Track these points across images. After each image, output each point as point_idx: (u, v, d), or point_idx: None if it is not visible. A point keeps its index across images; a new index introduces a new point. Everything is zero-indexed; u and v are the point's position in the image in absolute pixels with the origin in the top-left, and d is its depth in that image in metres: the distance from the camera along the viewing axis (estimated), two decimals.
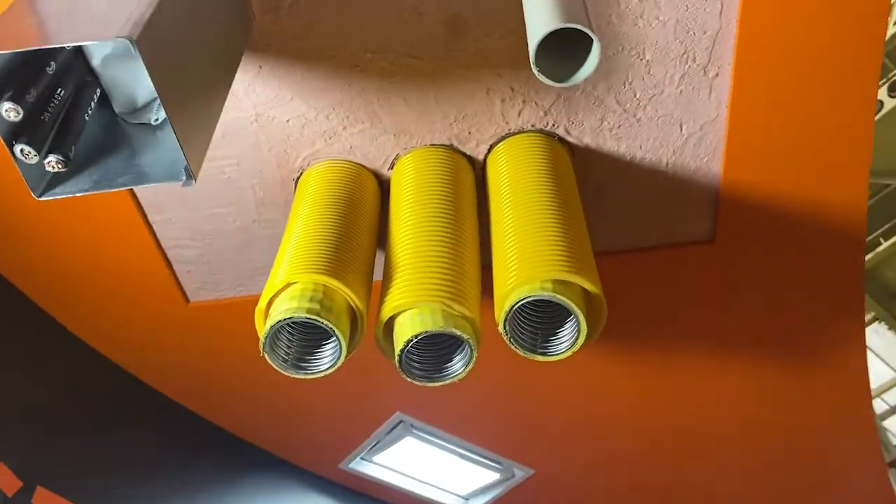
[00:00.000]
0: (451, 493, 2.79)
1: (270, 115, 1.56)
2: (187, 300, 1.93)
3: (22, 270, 1.84)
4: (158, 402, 2.18)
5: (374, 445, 2.43)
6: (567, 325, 1.29)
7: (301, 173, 1.65)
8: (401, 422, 2.31)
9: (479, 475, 2.61)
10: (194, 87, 1.09)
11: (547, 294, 1.23)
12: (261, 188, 1.69)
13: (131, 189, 1.68)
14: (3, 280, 1.83)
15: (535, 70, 0.93)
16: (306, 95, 1.54)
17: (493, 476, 2.62)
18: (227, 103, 1.52)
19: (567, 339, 1.28)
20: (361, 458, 2.51)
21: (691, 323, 2.03)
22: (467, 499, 2.85)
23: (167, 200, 1.70)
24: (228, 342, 2.05)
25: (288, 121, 1.57)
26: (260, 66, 1.49)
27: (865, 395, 2.22)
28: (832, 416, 2.32)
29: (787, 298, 1.93)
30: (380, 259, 1.59)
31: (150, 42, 0.96)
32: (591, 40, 0.92)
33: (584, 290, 1.28)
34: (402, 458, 2.53)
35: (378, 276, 1.49)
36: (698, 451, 2.56)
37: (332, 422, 2.38)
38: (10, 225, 1.72)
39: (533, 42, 0.89)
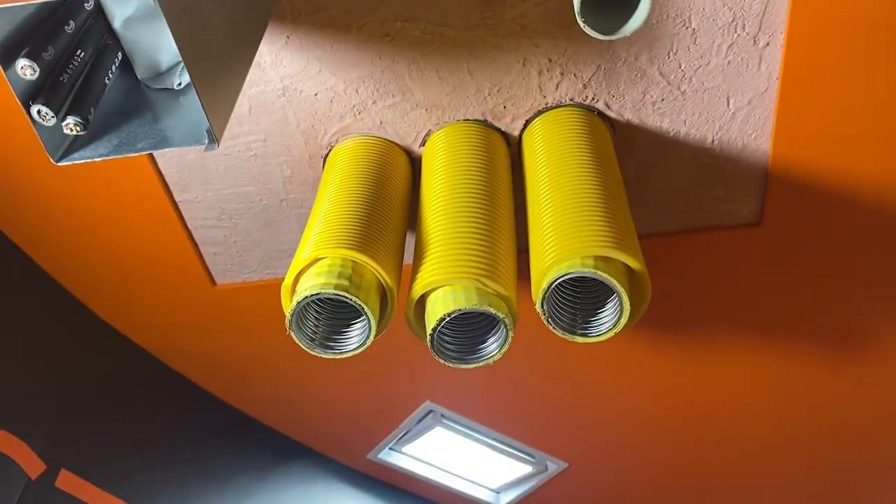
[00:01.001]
0: (482, 485, 2.73)
1: (298, 89, 1.51)
2: (214, 283, 1.89)
3: (46, 252, 1.82)
4: (184, 387, 2.15)
5: (404, 435, 2.37)
6: (609, 305, 1.22)
7: (330, 150, 1.60)
8: (431, 411, 2.25)
9: (510, 468, 2.55)
10: (218, 48, 1.04)
11: (588, 270, 1.15)
12: (288, 166, 1.64)
13: (157, 167, 1.65)
14: (28, 260, 1.80)
15: (580, 21, 0.86)
16: (335, 67, 1.48)
17: (526, 469, 2.55)
18: (253, 76, 1.49)
19: (609, 320, 1.21)
20: (390, 449, 2.45)
21: (736, 310, 1.94)
22: (498, 492, 2.78)
23: (193, 178, 1.66)
24: (255, 326, 2.01)
25: (316, 94, 1.52)
26: (287, 37, 1.44)
27: None
28: (882, 410, 2.21)
29: (838, 285, 1.83)
30: (410, 241, 1.54)
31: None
32: None
33: (627, 268, 1.21)
34: (432, 449, 2.47)
35: (409, 258, 1.43)
36: (740, 447, 2.47)
37: (361, 411, 2.33)
38: (33, 206, 1.70)
39: None
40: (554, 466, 2.52)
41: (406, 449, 2.48)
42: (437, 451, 2.49)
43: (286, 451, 2.42)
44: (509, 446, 2.43)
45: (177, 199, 1.71)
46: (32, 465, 1.62)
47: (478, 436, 2.38)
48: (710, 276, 1.84)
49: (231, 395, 2.27)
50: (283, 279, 1.86)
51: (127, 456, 1.90)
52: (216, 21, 1.04)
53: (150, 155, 1.62)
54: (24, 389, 1.70)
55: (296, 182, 1.67)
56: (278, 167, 1.64)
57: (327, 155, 1.60)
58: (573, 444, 2.50)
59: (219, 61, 1.04)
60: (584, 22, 0.86)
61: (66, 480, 1.68)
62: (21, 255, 1.77)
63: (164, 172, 1.66)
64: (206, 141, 0.99)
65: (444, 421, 2.29)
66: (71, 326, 1.89)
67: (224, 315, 1.98)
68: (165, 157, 1.63)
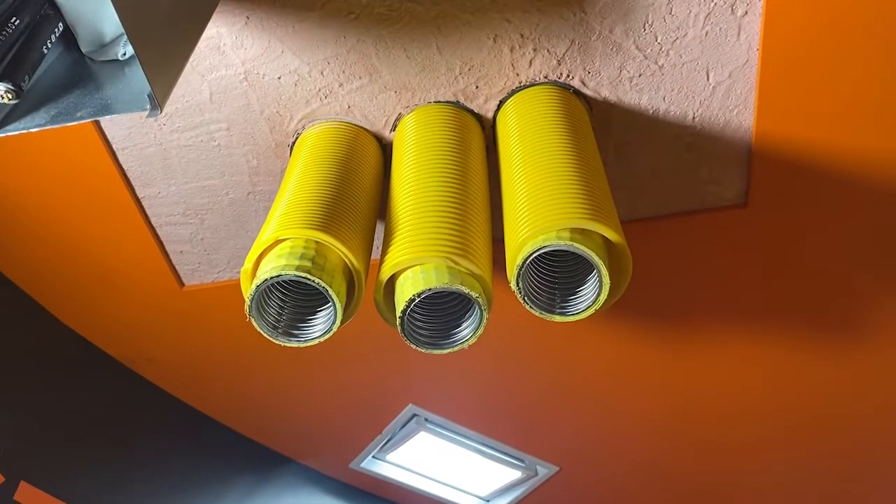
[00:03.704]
0: (470, 493, 2.64)
1: (260, 73, 1.45)
2: (182, 284, 1.81)
3: (2, 253, 1.74)
4: (155, 395, 2.06)
5: (387, 442, 2.29)
6: (588, 281, 1.16)
7: (296, 138, 1.54)
8: (414, 415, 2.17)
9: (499, 474, 2.46)
10: (162, 13, 0.98)
11: (564, 243, 1.09)
12: (254, 156, 1.57)
13: (117, 161, 1.58)
14: None
15: None
16: (298, 49, 1.42)
17: (515, 474, 2.47)
18: (213, 60, 1.43)
19: (588, 297, 1.14)
20: (373, 457, 2.36)
21: (725, 296, 1.87)
22: (487, 500, 2.69)
23: (155, 172, 1.59)
24: (227, 329, 1.93)
25: (280, 78, 1.46)
26: (247, 17, 1.38)
27: None
28: (875, 396, 2.14)
29: (828, 266, 1.77)
30: (382, 230, 1.47)
31: None
32: None
33: (606, 241, 1.15)
34: (417, 456, 2.39)
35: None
36: (734, 444, 2.39)
37: (341, 417, 2.24)
38: None
39: None
40: (544, 471, 2.44)
41: (390, 457, 2.39)
42: (423, 457, 2.41)
43: (264, 462, 2.33)
44: (497, 451, 2.35)
45: (139, 194, 1.64)
46: None
47: (464, 440, 2.30)
48: (696, 261, 1.78)
49: (203, 402, 2.18)
50: None
51: (90, 468, 1.81)
52: None
53: (110, 149, 1.55)
54: None
55: (262, 173, 1.60)
56: (244, 157, 1.58)
57: (294, 143, 1.54)
58: (564, 446, 2.42)
59: (163, 26, 0.98)
60: None
61: (27, 493, 1.59)
62: None
63: (124, 167, 1.59)
64: (149, 107, 0.92)
65: (429, 425, 2.21)
66: (31, 332, 1.81)
67: (194, 318, 1.90)
68: (126, 150, 1.56)
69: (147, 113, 0.92)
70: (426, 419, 2.19)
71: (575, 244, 1.08)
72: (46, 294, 1.83)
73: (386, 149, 1.55)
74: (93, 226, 1.68)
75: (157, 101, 0.91)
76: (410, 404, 2.16)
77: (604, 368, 2.12)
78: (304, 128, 1.53)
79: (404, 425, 2.21)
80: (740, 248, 1.74)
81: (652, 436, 2.36)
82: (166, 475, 2.03)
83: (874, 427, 2.30)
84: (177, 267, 1.78)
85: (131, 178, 1.61)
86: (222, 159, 1.58)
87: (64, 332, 1.87)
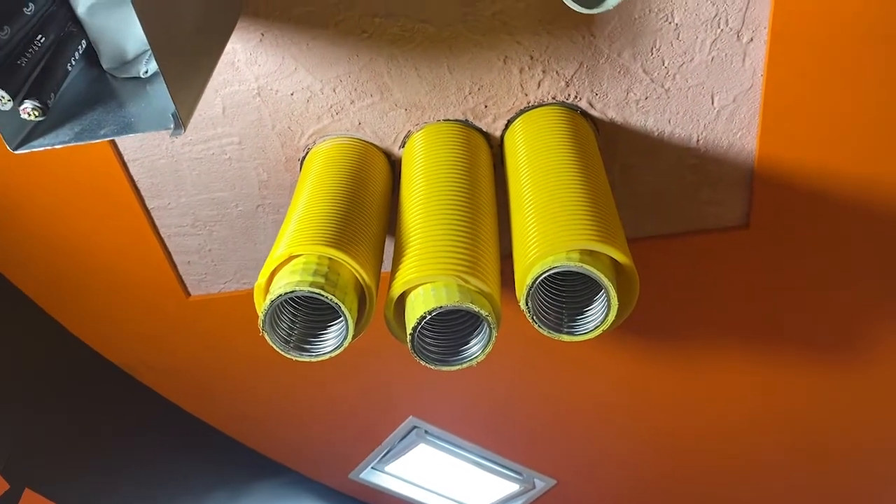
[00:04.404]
0: None
1: (273, 89, 1.47)
2: (188, 294, 1.83)
3: (11, 261, 1.75)
4: (157, 404, 2.07)
5: (386, 454, 2.30)
6: (596, 302, 1.18)
7: (307, 152, 1.55)
8: (414, 427, 2.18)
9: (497, 486, 2.47)
10: (186, 31, 1.00)
11: (573, 265, 1.11)
12: (264, 169, 1.59)
13: (128, 172, 1.60)
14: None
15: None
16: (311, 66, 1.44)
17: (513, 487, 2.48)
18: (227, 76, 1.45)
19: (596, 317, 1.16)
20: (372, 468, 2.37)
21: (725, 316, 1.90)
22: None
23: (165, 184, 1.61)
24: (232, 339, 1.94)
25: (292, 94, 1.48)
26: (262, 34, 1.40)
27: None
28: (870, 413, 2.17)
29: (828, 288, 1.80)
30: (391, 246, 1.49)
31: None
32: None
33: (614, 262, 1.17)
34: (416, 468, 2.40)
35: (390, 264, 1.39)
36: (733, 462, 2.41)
37: (342, 427, 2.25)
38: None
39: None
40: (542, 484, 2.45)
41: (389, 468, 2.40)
42: (422, 469, 2.42)
43: (265, 472, 2.34)
44: (496, 463, 2.37)
45: (149, 205, 1.65)
46: None
47: (463, 453, 2.31)
48: (697, 280, 1.80)
49: (206, 411, 2.19)
50: None
51: (94, 475, 1.81)
52: (184, 4, 1.00)
53: (121, 159, 1.57)
54: None
55: (272, 186, 1.62)
56: (254, 171, 1.59)
57: (304, 157, 1.56)
58: (562, 460, 2.43)
59: (187, 45, 1.00)
60: None
61: (30, 500, 1.60)
62: None
63: (135, 178, 1.60)
64: (172, 126, 0.94)
65: (429, 437, 2.23)
66: (36, 339, 1.82)
67: (199, 328, 1.92)
68: (137, 162, 1.57)
69: (170, 132, 0.94)
70: (426, 431, 2.21)
71: (584, 266, 1.10)
72: (51, 300, 1.84)
73: (394, 165, 1.58)
74: (101, 234, 1.69)
75: (181, 121, 0.93)
76: (411, 416, 2.18)
77: (603, 385, 2.14)
78: (314, 143, 1.55)
79: (404, 437, 2.23)
80: (741, 269, 1.77)
81: (650, 452, 2.38)
82: (166, 482, 2.03)
83: (875, 447, 2.32)
84: (183, 277, 1.79)
85: (141, 189, 1.62)
86: (233, 172, 1.60)
87: (67, 338, 1.88)
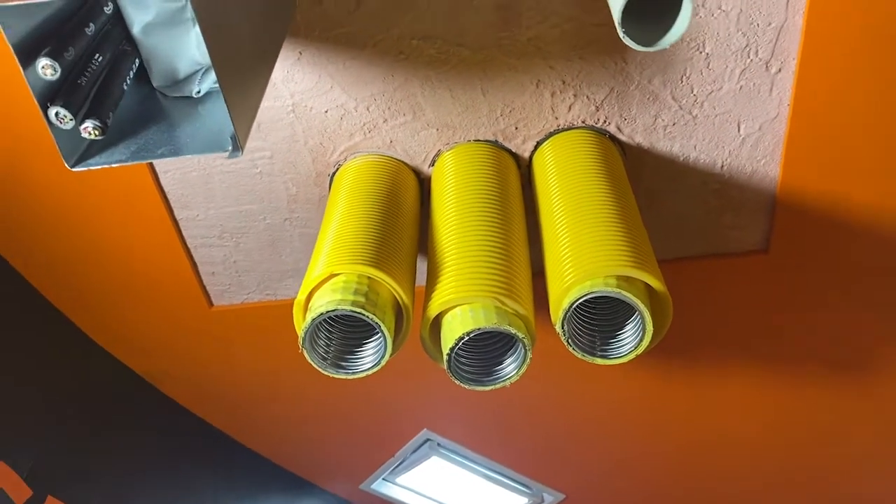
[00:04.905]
0: None
1: (308, 105, 1.49)
2: (210, 304, 1.84)
3: (36, 266, 1.76)
4: (175, 411, 2.08)
5: (399, 465, 2.31)
6: (628, 326, 1.20)
7: (337, 169, 1.57)
8: (428, 440, 2.20)
9: (506, 500, 2.49)
10: (243, 54, 1.02)
11: (612, 290, 1.13)
12: (294, 184, 1.61)
13: (158, 182, 1.61)
14: (12, 272, 1.74)
15: (620, 32, 0.85)
16: (347, 85, 1.46)
17: (522, 501, 2.50)
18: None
19: (630, 341, 1.18)
20: (384, 479, 2.39)
21: (742, 338, 1.93)
22: None
23: (195, 195, 1.63)
24: (251, 350, 1.96)
25: (326, 111, 1.50)
26: (300, 53, 1.43)
27: None
28: (876, 439, 2.20)
29: (845, 314, 1.83)
30: (420, 262, 1.51)
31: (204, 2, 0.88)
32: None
33: (648, 288, 1.19)
34: (427, 480, 2.41)
35: (419, 279, 1.40)
36: (743, 478, 2.43)
37: (357, 438, 2.27)
38: (23, 215, 1.64)
39: (619, 2, 0.82)
40: (550, 498, 2.47)
41: (400, 479, 2.42)
42: (432, 482, 2.43)
43: (274, 479, 2.35)
44: (506, 476, 2.39)
45: (177, 216, 1.67)
46: (18, 492, 1.55)
47: (473, 465, 2.33)
48: (716, 303, 1.83)
49: (221, 419, 2.20)
50: (282, 301, 1.84)
51: (114, 482, 1.82)
52: (242, 28, 1.02)
53: (153, 170, 1.59)
54: (10, 412, 1.63)
55: (301, 200, 1.64)
56: (283, 185, 1.61)
57: (334, 173, 1.58)
58: (571, 475, 2.45)
59: (244, 68, 1.01)
60: (624, 33, 0.85)
61: None
62: (6, 267, 1.71)
63: (165, 188, 1.62)
64: (230, 148, 0.96)
65: (441, 450, 2.24)
66: (58, 344, 1.82)
67: (219, 337, 1.93)
68: (168, 173, 1.59)
69: (228, 154, 0.96)
70: (439, 444, 2.22)
71: (622, 292, 1.13)
72: (74, 306, 1.85)
73: (424, 183, 1.60)
74: (128, 242, 1.71)
75: (239, 143, 0.95)
76: (425, 429, 2.20)
77: (615, 401, 2.16)
78: (345, 159, 1.57)
79: (417, 449, 2.24)
80: (759, 293, 1.80)
81: (659, 469, 2.40)
82: (182, 489, 2.04)
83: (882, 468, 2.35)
84: (207, 287, 1.81)
85: (171, 200, 1.64)
86: (263, 186, 1.61)
87: (91, 347, 1.89)
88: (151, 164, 1.58)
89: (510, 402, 2.13)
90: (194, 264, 1.75)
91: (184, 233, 1.70)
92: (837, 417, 2.13)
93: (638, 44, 0.85)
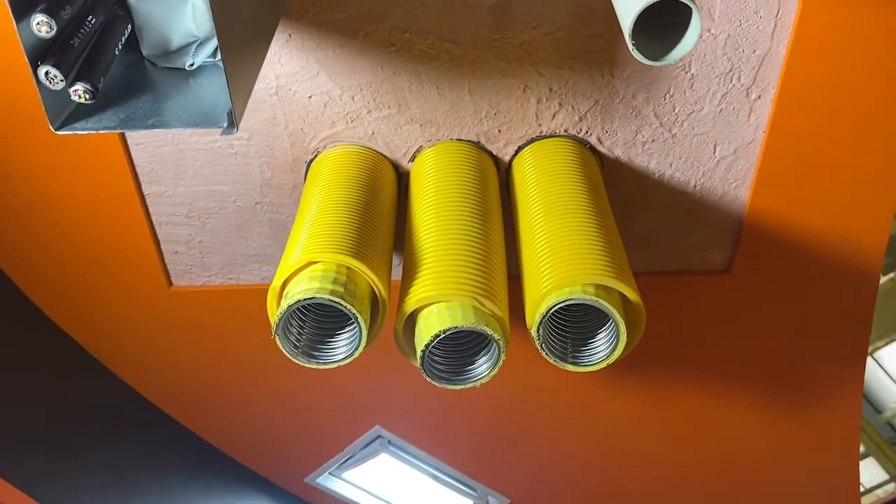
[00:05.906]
0: None
1: (292, 89, 1.47)
2: (170, 283, 1.79)
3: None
4: (124, 393, 2.02)
5: (346, 461, 2.29)
6: (601, 334, 1.22)
7: (315, 156, 1.55)
8: (379, 437, 2.18)
9: (452, 501, 2.49)
10: (243, 30, 0.99)
11: (589, 298, 1.15)
12: (269, 168, 1.58)
13: (129, 155, 1.57)
14: None
15: (630, 44, 0.86)
16: (334, 72, 1.45)
17: (467, 503, 2.50)
18: None
19: (603, 349, 1.20)
20: (330, 473, 2.36)
21: (696, 354, 1.97)
22: None
23: (165, 171, 1.58)
24: (208, 334, 1.92)
25: (310, 97, 1.48)
26: (290, 35, 1.40)
27: (854, 438, 2.19)
28: (820, 456, 2.28)
29: (797, 339, 1.89)
30: (395, 256, 1.50)
31: None
32: (691, 11, 0.86)
33: (622, 298, 1.21)
34: (373, 477, 2.40)
35: (394, 274, 1.39)
36: (689, 486, 2.49)
37: (307, 430, 2.24)
38: None
39: (631, 15, 0.83)
40: (495, 502, 2.48)
41: (346, 475, 2.39)
42: (379, 479, 2.42)
43: (217, 465, 2.30)
44: (453, 478, 2.39)
45: (144, 191, 1.62)
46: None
47: (421, 464, 2.32)
48: (675, 319, 1.87)
49: (165, 401, 2.14)
50: (244, 286, 1.80)
51: (65, 466, 1.76)
52: (244, 2, 1.00)
53: (124, 141, 1.54)
54: None
55: (275, 185, 1.61)
56: (258, 168, 1.58)
57: (312, 161, 1.56)
58: (517, 480, 2.47)
59: (244, 44, 0.99)
60: (633, 46, 0.86)
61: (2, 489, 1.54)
62: None
63: (135, 161, 1.57)
64: (225, 124, 0.94)
65: (391, 447, 2.23)
66: (13, 322, 1.75)
67: (176, 319, 1.88)
68: (140, 146, 1.54)
69: (222, 131, 0.93)
70: (389, 441, 2.21)
71: (600, 300, 1.14)
72: (27, 277, 1.78)
73: (402, 177, 1.59)
74: (91, 212, 1.65)
75: (235, 119, 0.93)
76: (377, 426, 2.18)
77: (565, 410, 2.18)
78: (324, 147, 1.55)
79: (367, 445, 2.23)
80: (719, 312, 1.84)
81: (605, 478, 2.43)
82: (122, 474, 1.99)
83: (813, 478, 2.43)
84: (168, 266, 1.76)
85: (140, 174, 1.59)
86: (237, 167, 1.58)
87: (43, 322, 1.82)
88: (123, 135, 1.53)
89: (464, 404, 2.14)
90: (157, 241, 1.71)
91: (150, 209, 1.65)
92: (789, 436, 2.20)
93: (646, 57, 0.86)
